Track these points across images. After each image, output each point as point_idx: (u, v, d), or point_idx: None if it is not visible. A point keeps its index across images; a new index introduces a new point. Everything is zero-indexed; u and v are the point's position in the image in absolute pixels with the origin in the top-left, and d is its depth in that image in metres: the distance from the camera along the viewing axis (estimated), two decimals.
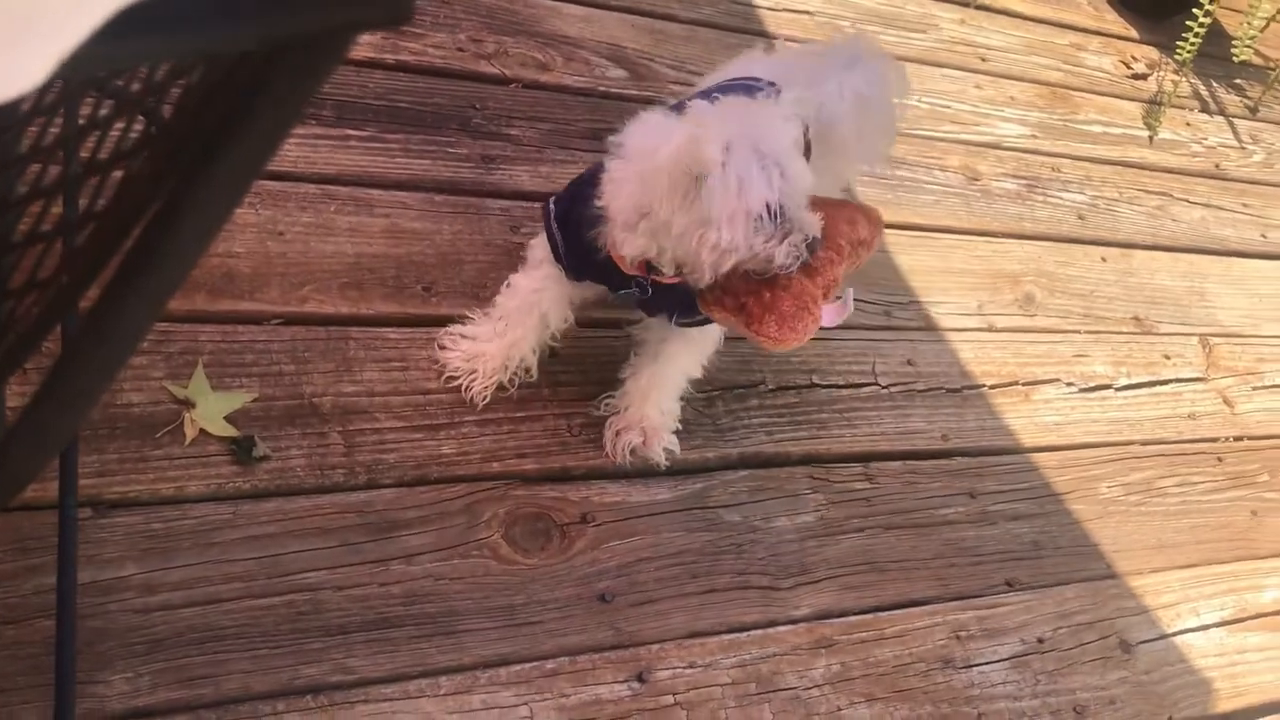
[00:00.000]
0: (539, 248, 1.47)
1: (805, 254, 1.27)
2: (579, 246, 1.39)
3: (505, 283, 1.51)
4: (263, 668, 1.22)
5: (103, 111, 0.53)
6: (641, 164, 1.27)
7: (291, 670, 1.23)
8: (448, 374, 1.51)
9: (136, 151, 0.50)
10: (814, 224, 1.28)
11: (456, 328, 1.53)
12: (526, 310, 1.48)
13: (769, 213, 1.23)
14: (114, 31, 0.33)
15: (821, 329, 1.33)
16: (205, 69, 0.46)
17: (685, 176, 1.21)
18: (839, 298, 1.37)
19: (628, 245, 1.32)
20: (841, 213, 1.41)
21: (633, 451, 1.54)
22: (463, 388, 1.50)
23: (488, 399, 1.51)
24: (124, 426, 1.31)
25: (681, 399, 1.58)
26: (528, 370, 1.53)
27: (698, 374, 1.57)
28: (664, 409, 1.55)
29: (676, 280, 1.34)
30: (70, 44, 0.34)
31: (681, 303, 1.39)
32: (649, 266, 1.35)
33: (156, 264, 0.46)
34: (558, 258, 1.43)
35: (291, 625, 1.26)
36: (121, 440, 1.30)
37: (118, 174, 0.52)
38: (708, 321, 1.42)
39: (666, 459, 1.57)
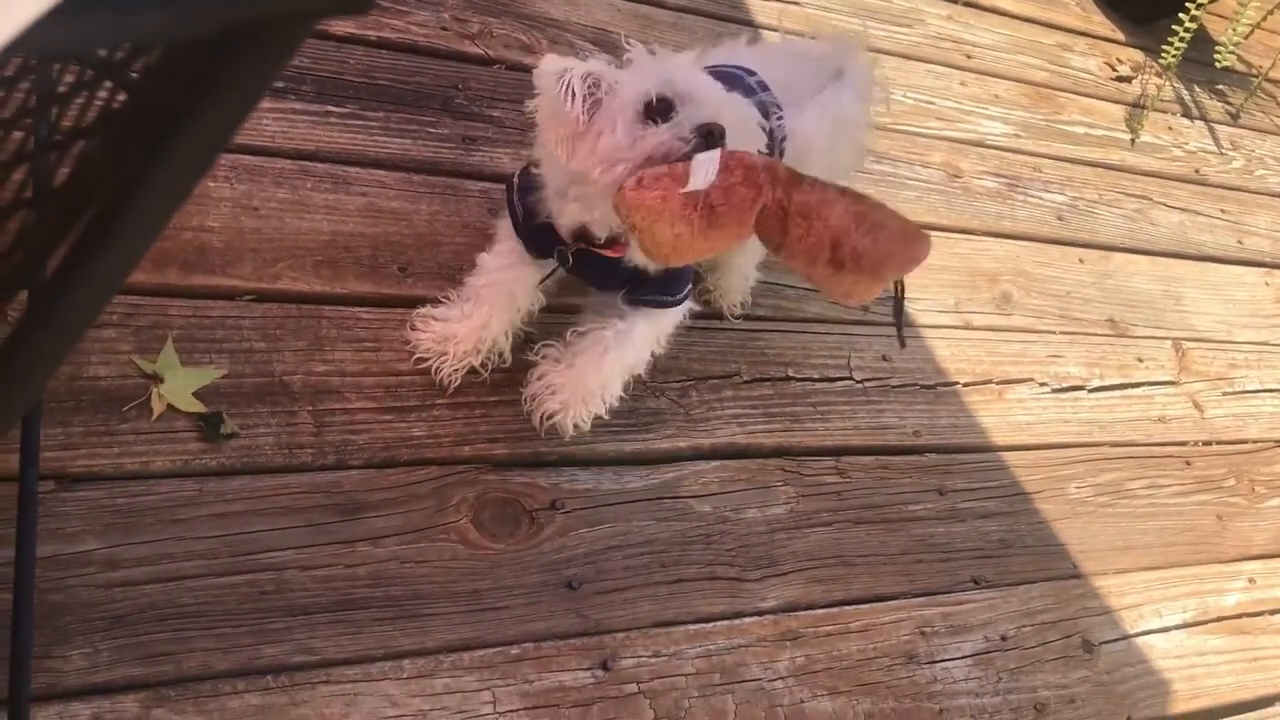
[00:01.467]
0: (504, 224, 1.46)
1: (696, 141, 1.18)
2: (536, 220, 1.38)
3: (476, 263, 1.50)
4: (224, 646, 1.21)
5: (61, 87, 0.52)
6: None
7: (253, 650, 1.22)
8: (418, 355, 1.50)
9: (96, 128, 0.49)
10: (712, 112, 1.19)
11: (429, 309, 1.52)
12: (493, 289, 1.47)
13: (650, 110, 1.20)
14: (66, 11, 0.33)
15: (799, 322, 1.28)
16: (164, 51, 0.45)
17: (558, 100, 1.21)
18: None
19: (564, 214, 1.31)
20: (834, 197, 1.24)
21: (549, 416, 1.50)
22: (433, 370, 1.49)
23: (458, 382, 1.50)
24: (90, 400, 1.29)
25: (623, 394, 1.54)
26: (501, 354, 1.52)
27: (640, 370, 1.52)
28: (611, 392, 1.51)
29: (614, 253, 1.33)
30: (20, 24, 0.33)
31: (615, 276, 1.38)
32: (586, 235, 1.33)
33: (101, 251, 0.46)
34: (517, 230, 1.42)
35: (254, 604, 1.25)
36: (87, 413, 1.29)
37: (75, 148, 0.51)
38: (668, 302, 1.41)
39: (575, 432, 1.52)
